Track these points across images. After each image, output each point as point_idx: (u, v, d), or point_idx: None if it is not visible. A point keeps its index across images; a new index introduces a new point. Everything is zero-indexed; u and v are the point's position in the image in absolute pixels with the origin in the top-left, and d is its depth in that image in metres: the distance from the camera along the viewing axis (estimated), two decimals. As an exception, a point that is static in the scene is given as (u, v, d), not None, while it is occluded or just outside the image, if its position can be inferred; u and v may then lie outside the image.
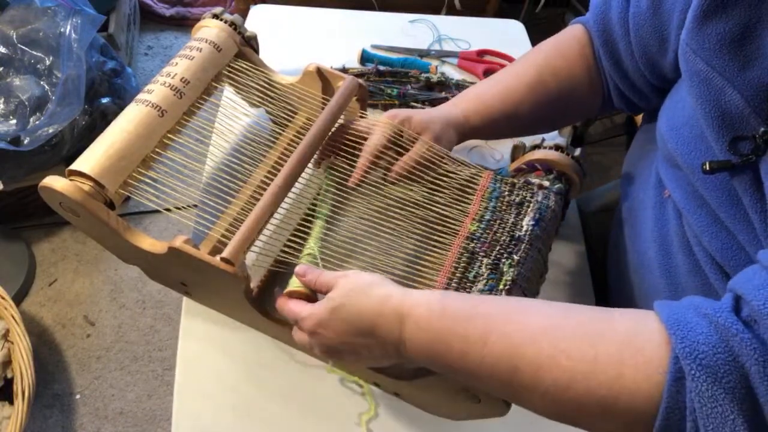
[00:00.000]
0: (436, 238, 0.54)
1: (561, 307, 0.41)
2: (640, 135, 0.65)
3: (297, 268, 0.49)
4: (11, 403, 1.07)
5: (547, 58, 0.61)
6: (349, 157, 0.59)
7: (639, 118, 1.50)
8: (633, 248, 0.59)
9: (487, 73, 0.90)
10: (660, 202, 0.53)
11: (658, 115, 0.54)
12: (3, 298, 1.13)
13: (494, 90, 0.62)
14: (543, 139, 0.60)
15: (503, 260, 0.51)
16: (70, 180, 0.49)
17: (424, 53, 0.91)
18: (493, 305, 0.42)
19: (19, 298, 1.40)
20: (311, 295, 0.49)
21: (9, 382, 1.08)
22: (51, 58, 1.29)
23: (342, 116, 0.61)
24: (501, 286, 0.49)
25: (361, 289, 0.44)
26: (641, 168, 0.60)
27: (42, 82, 1.29)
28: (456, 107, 0.63)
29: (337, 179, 0.58)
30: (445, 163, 0.58)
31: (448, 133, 0.60)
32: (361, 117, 0.63)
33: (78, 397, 1.30)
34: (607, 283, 0.69)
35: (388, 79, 0.83)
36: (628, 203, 0.61)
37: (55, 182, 0.47)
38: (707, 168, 0.42)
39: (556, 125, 0.61)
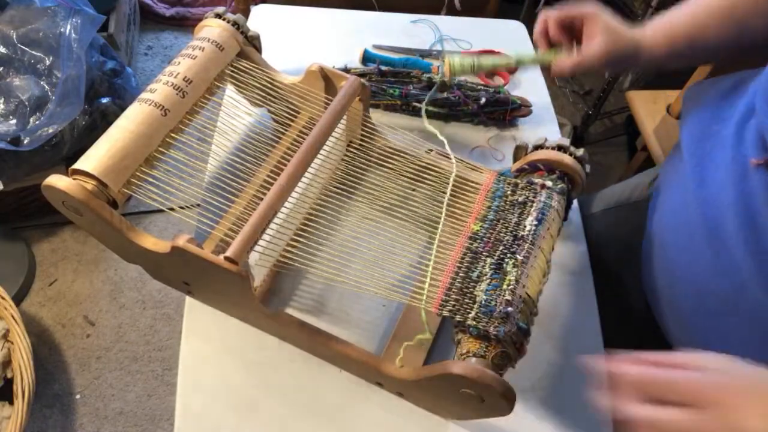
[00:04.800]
0: (439, 237, 0.54)
1: None
2: (697, 120, 0.62)
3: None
4: (11, 403, 1.07)
5: None
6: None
7: (642, 120, 1.49)
8: (705, 225, 0.56)
9: (489, 73, 0.90)
10: (743, 175, 0.52)
11: None
12: (3, 298, 1.12)
13: (679, 13, 0.61)
14: (546, 139, 0.60)
15: (506, 260, 0.51)
16: (73, 179, 0.49)
17: (425, 53, 0.91)
18: None
19: (19, 298, 1.40)
20: None
21: (9, 382, 1.08)
22: (51, 58, 1.28)
23: (344, 117, 0.61)
24: (504, 286, 0.49)
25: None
26: (707, 149, 0.58)
27: (42, 82, 1.29)
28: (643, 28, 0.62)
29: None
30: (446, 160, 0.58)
31: (622, 51, 0.59)
32: (365, 117, 0.63)
33: (78, 397, 1.30)
34: (615, 275, 0.68)
35: (390, 79, 0.82)
36: (695, 184, 0.58)
37: (58, 181, 0.47)
38: None
39: (741, 52, 0.60)
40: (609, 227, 0.71)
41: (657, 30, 0.61)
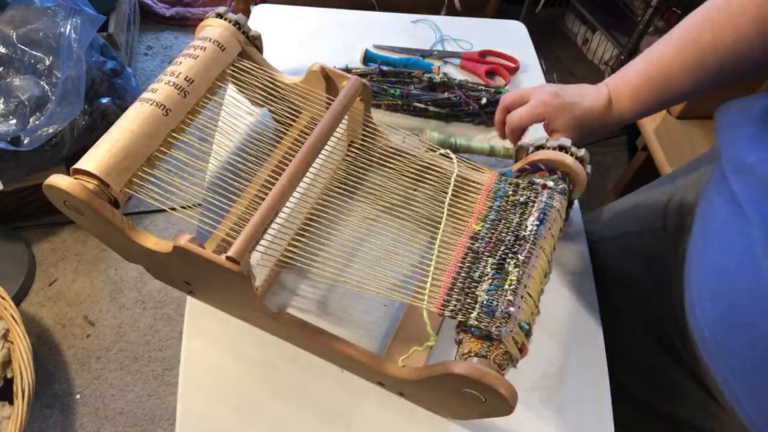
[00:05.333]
0: (440, 237, 0.54)
1: None
2: (734, 149, 0.55)
3: None
4: (11, 403, 1.07)
5: (713, 31, 0.56)
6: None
7: (642, 120, 1.49)
8: None
9: (489, 73, 0.90)
10: None
11: None
12: (3, 298, 1.12)
13: (642, 71, 0.61)
14: (547, 139, 0.60)
15: (508, 260, 0.51)
16: (75, 179, 0.49)
17: (426, 53, 0.91)
18: None
19: (19, 298, 1.40)
20: None
21: (9, 382, 1.08)
22: (51, 58, 1.28)
23: (346, 117, 0.61)
24: (506, 286, 0.49)
25: None
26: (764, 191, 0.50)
27: (42, 82, 1.29)
28: (606, 94, 0.63)
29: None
30: (449, 160, 0.58)
31: (590, 130, 0.63)
32: (366, 117, 0.64)
33: (78, 397, 1.30)
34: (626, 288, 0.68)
35: (391, 80, 0.82)
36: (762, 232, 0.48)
37: (60, 181, 0.47)
38: None
39: (715, 90, 0.60)
40: (626, 258, 0.71)
41: (621, 95, 0.62)
